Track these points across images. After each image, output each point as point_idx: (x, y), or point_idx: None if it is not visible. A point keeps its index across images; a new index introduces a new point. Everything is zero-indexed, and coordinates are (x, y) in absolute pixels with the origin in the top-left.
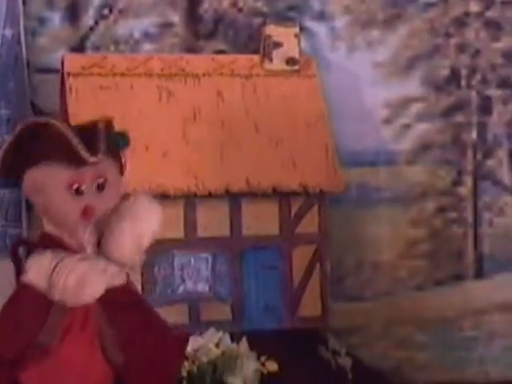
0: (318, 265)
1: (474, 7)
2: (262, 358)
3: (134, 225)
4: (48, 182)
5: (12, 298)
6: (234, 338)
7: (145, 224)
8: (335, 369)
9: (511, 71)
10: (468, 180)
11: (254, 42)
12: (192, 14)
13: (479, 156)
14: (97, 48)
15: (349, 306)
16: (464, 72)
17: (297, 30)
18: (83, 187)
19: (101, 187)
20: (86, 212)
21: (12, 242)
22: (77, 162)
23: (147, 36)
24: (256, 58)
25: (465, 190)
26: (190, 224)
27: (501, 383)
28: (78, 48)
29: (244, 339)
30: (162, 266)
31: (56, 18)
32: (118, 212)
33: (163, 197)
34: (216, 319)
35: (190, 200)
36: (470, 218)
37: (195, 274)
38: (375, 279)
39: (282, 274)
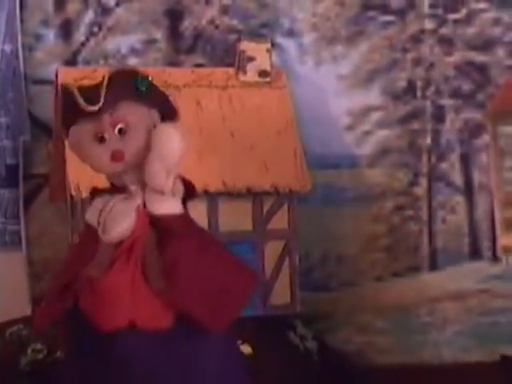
0: (287, 258)
1: (429, 25)
2: (238, 342)
3: (158, 151)
4: (78, 139)
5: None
6: None
7: (166, 148)
8: (303, 351)
9: (462, 83)
10: (423, 181)
11: (230, 57)
12: (173, 31)
13: (433, 160)
14: (87, 62)
15: (315, 295)
16: (419, 84)
17: (268, 45)
18: (105, 134)
19: (122, 131)
20: (115, 156)
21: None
22: (88, 116)
23: (133, 51)
24: (231, 70)
25: (420, 190)
26: None
27: (453, 364)
28: (71, 62)
29: None
30: None
31: (51, 35)
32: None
33: None
34: None
35: None
36: (424, 215)
37: None
38: (339, 271)
39: (254, 266)
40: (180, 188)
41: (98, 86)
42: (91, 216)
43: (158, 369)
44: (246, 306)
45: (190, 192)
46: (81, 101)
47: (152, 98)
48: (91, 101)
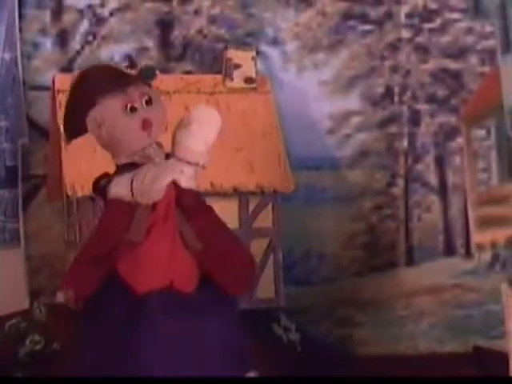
0: (271, 254)
1: (406, 34)
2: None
3: (200, 127)
4: (105, 113)
5: (102, 213)
6: None
7: (208, 126)
8: (286, 343)
9: (437, 89)
10: (400, 182)
11: (217, 64)
12: (164, 40)
13: (410, 161)
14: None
15: (298, 289)
16: (397, 89)
17: (254, 53)
18: (135, 104)
19: (149, 102)
20: (145, 124)
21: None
22: (123, 81)
23: (126, 59)
24: (219, 77)
25: (397, 190)
26: None
27: (428, 355)
28: (67, 69)
29: None
30: None
31: (48, 43)
32: (182, 123)
33: None
34: None
35: None
36: (401, 214)
37: None
38: (321, 267)
39: None
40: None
41: (118, 68)
42: (120, 190)
43: (182, 331)
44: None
45: None
46: (123, 68)
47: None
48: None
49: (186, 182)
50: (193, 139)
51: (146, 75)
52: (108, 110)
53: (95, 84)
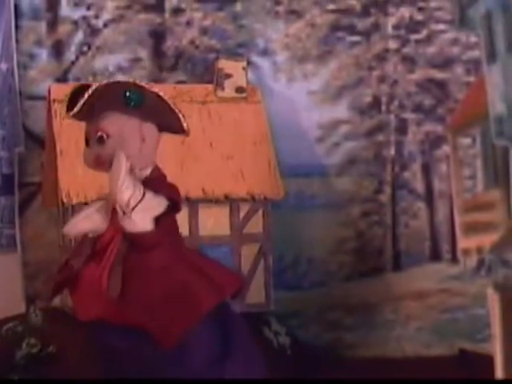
0: (262, 260)
1: (393, 45)
2: None
3: (110, 177)
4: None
5: None
6: None
7: (111, 171)
8: (277, 346)
9: (424, 98)
10: (387, 189)
11: (209, 74)
12: (157, 51)
13: (397, 169)
14: (78, 79)
15: (288, 294)
16: (384, 99)
17: (244, 63)
18: (90, 140)
19: (101, 140)
20: (96, 160)
21: None
22: (88, 112)
23: (120, 69)
24: (210, 87)
25: (385, 197)
26: None
27: (415, 358)
28: (62, 79)
29: None
30: None
31: (44, 54)
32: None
33: None
34: None
35: None
36: (389, 220)
37: None
38: (310, 272)
39: (232, 268)
40: (142, 207)
41: (82, 94)
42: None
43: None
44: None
45: (174, 206)
46: (64, 106)
47: (148, 112)
48: (70, 107)
49: (125, 227)
50: (110, 190)
51: (128, 100)
52: (82, 133)
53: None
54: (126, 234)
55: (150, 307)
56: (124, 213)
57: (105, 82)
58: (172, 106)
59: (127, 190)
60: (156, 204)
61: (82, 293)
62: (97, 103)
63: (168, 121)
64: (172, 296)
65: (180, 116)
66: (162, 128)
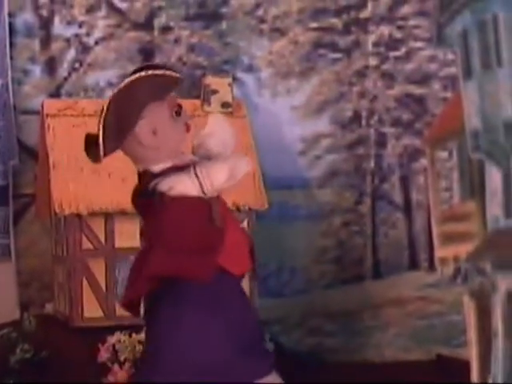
0: None
1: (373, 61)
2: None
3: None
4: (156, 120)
5: (172, 209)
6: None
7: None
8: None
9: (402, 113)
10: (367, 200)
11: (196, 90)
12: None
13: (376, 181)
14: (70, 94)
15: (271, 301)
16: (364, 114)
17: (230, 79)
18: (179, 109)
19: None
20: (188, 127)
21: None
22: (164, 89)
23: (110, 85)
24: (197, 102)
25: (365, 208)
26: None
27: (394, 362)
28: (55, 94)
29: None
30: (122, 269)
31: (37, 71)
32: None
33: (122, 213)
34: None
35: None
36: (369, 230)
37: None
38: (292, 280)
39: None
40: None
41: (155, 78)
42: (186, 187)
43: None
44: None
45: None
46: (168, 72)
47: None
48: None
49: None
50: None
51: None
52: (158, 116)
53: (140, 96)
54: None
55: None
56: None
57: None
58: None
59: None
60: None
61: (235, 250)
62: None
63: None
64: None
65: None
66: None
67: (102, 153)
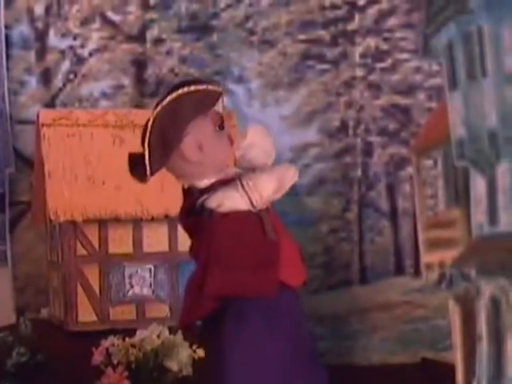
0: None
1: (359, 72)
2: (193, 347)
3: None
4: (201, 135)
5: (222, 228)
6: (172, 331)
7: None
8: None
9: (389, 123)
10: (354, 208)
11: None
12: (139, 78)
13: (363, 189)
14: (64, 104)
15: None
16: (351, 123)
17: (220, 90)
18: (219, 126)
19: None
20: (231, 140)
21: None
22: (206, 103)
23: (104, 95)
24: None
25: (352, 215)
26: (137, 241)
27: (381, 365)
28: (50, 104)
29: (179, 332)
30: (115, 274)
31: (33, 81)
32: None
33: (116, 220)
34: (157, 316)
35: (137, 223)
36: (356, 237)
37: (141, 281)
38: None
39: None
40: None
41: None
42: (236, 202)
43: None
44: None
45: None
46: (210, 86)
47: None
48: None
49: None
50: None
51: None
52: (203, 131)
53: (184, 112)
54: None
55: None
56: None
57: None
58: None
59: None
60: None
61: (293, 258)
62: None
63: None
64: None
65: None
66: None
67: (148, 173)
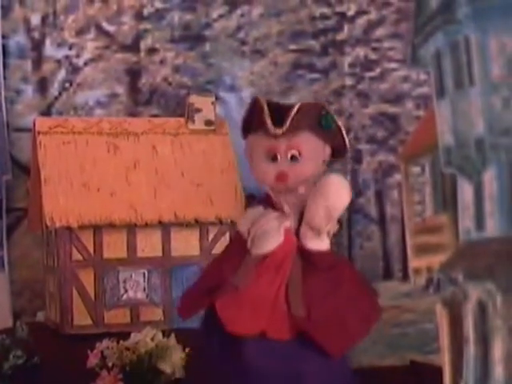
0: None
1: (349, 81)
2: (186, 350)
3: (326, 199)
4: (253, 148)
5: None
6: (165, 334)
7: (334, 199)
8: None
9: (377, 131)
10: (344, 214)
11: (181, 108)
12: (133, 87)
13: (353, 195)
14: (60, 113)
15: None
16: None
17: (213, 99)
18: (278, 155)
19: (294, 158)
20: (280, 176)
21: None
22: (267, 132)
23: (99, 103)
24: (182, 120)
25: (342, 221)
26: (131, 247)
27: (370, 368)
28: (46, 113)
29: (172, 335)
30: (110, 279)
31: (29, 90)
32: (315, 188)
33: (111, 226)
34: (151, 320)
35: (131, 229)
36: (345, 242)
37: (135, 285)
38: None
39: None
40: (335, 227)
41: (287, 111)
42: (243, 225)
43: (274, 375)
44: (366, 335)
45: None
46: (268, 121)
47: (330, 135)
48: (277, 123)
49: (309, 245)
50: (315, 209)
51: (322, 123)
52: (256, 145)
53: (253, 116)
54: (307, 252)
55: (326, 324)
56: (318, 233)
57: (304, 102)
58: (341, 127)
59: (336, 218)
60: (334, 228)
61: (249, 309)
62: (295, 121)
63: (339, 144)
64: (344, 312)
65: (346, 140)
66: (333, 149)
67: (284, 127)
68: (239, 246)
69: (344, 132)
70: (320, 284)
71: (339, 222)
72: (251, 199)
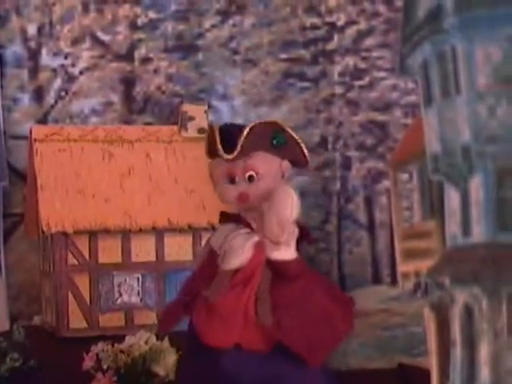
0: None
1: (339, 90)
2: (180, 352)
3: (274, 209)
4: (214, 172)
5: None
6: (159, 337)
7: (282, 209)
8: None
9: (366, 138)
10: (334, 219)
11: (174, 116)
12: (127, 96)
13: (342, 201)
14: (56, 121)
15: None
16: (330, 139)
17: (206, 107)
18: (236, 178)
19: (251, 178)
20: (240, 197)
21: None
22: (221, 157)
23: (94, 112)
24: (175, 128)
25: (331, 227)
26: (125, 252)
27: (359, 370)
28: (42, 121)
29: (166, 338)
30: (105, 283)
31: (26, 99)
32: (267, 202)
33: (106, 232)
34: (145, 323)
35: (125, 234)
36: (335, 247)
37: (129, 289)
38: None
39: None
40: (295, 236)
41: (238, 135)
42: (215, 241)
43: (250, 381)
44: (342, 342)
45: (305, 237)
46: (220, 148)
47: (286, 151)
48: (228, 148)
49: (272, 256)
50: (269, 222)
51: (275, 141)
52: (216, 169)
53: (208, 143)
54: (273, 263)
55: (296, 330)
56: (277, 243)
57: (253, 122)
58: (298, 140)
59: (292, 224)
60: (294, 235)
61: (222, 322)
62: (247, 143)
63: (298, 157)
64: (315, 320)
65: (305, 150)
66: (291, 162)
67: (235, 152)
68: (212, 260)
69: (301, 144)
70: (288, 293)
71: (300, 227)
72: (224, 216)
